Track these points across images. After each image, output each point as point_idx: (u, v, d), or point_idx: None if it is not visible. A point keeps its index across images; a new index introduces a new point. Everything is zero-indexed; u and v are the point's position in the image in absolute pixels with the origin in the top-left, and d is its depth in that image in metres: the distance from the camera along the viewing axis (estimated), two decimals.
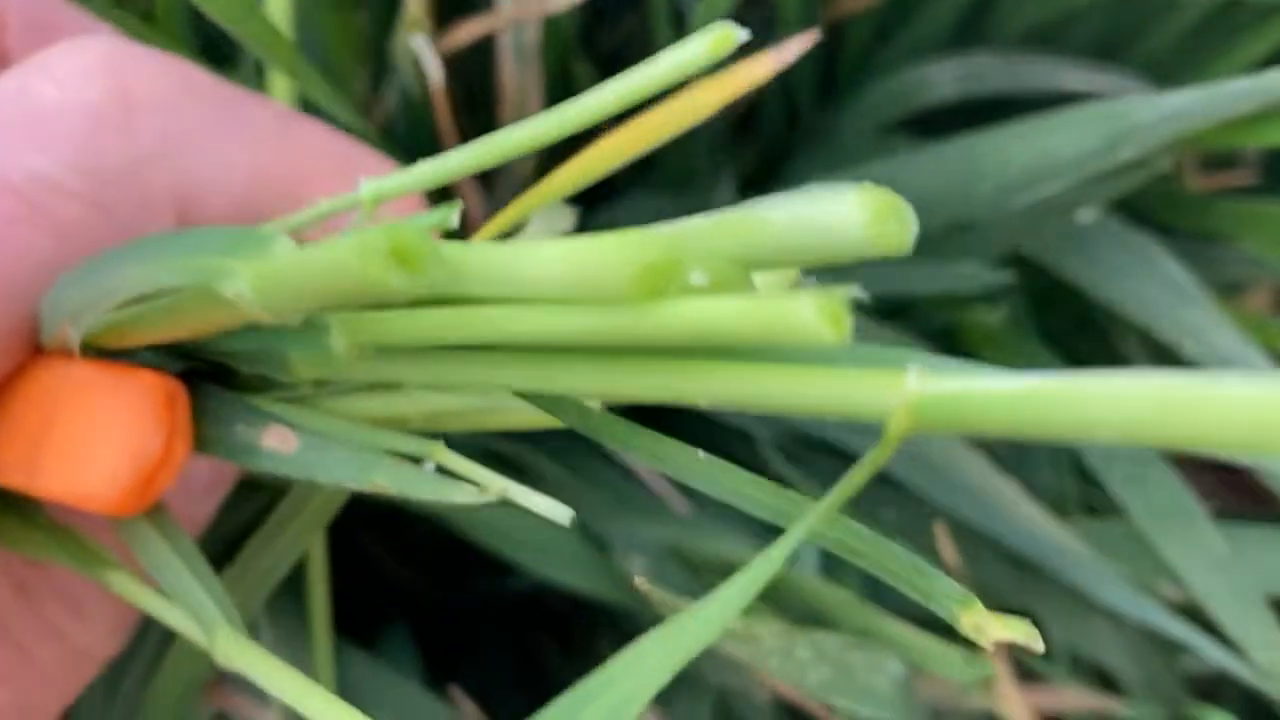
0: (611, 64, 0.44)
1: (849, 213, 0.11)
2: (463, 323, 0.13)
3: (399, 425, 0.18)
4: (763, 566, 0.12)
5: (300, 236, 0.22)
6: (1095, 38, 0.43)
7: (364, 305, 0.13)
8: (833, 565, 0.36)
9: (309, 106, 0.31)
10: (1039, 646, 0.13)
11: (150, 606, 0.18)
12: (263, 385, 0.18)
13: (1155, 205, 0.41)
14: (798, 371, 0.11)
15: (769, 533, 0.36)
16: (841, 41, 0.45)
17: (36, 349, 0.19)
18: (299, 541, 0.21)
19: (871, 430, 0.36)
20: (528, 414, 0.17)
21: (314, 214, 0.18)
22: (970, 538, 0.36)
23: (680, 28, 0.38)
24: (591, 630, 0.41)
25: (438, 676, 0.36)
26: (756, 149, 0.45)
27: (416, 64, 0.32)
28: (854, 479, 0.11)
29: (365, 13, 0.38)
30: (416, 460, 0.16)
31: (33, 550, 0.19)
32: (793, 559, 0.34)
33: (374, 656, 0.33)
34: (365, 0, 0.38)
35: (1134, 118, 0.31)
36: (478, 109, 0.39)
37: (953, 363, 0.11)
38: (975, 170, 0.33)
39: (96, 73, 0.20)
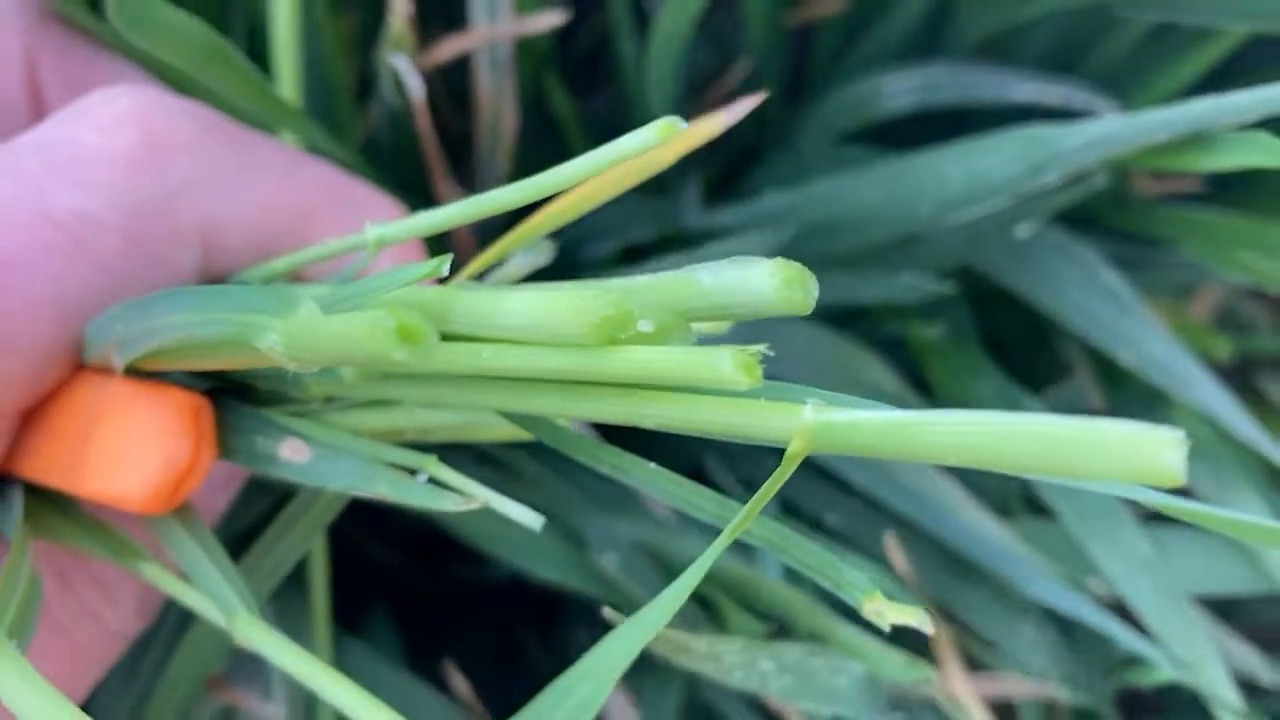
0: (585, 65, 0.46)
1: (762, 279, 0.14)
2: (455, 358, 0.16)
3: (396, 436, 0.21)
4: (699, 566, 0.15)
5: (310, 271, 0.24)
6: (1047, 49, 0.45)
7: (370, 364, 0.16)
8: (795, 571, 0.38)
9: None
10: (929, 629, 0.16)
11: (177, 593, 0.21)
12: (279, 400, 0.21)
13: (1101, 211, 0.43)
14: (721, 402, 0.14)
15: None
16: (810, 45, 0.47)
17: (79, 366, 0.22)
18: (306, 537, 0.23)
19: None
20: (507, 429, 0.20)
21: (323, 252, 0.21)
22: (915, 538, 0.38)
23: (643, 33, 0.40)
24: (570, 615, 0.43)
25: (420, 658, 0.38)
26: (725, 153, 0.47)
27: (398, 79, 0.34)
28: (764, 493, 0.14)
29: (355, 12, 0.40)
30: (411, 471, 0.19)
31: (74, 542, 0.22)
32: (756, 564, 0.36)
33: (364, 642, 0.36)
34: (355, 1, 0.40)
35: (1058, 144, 0.32)
36: (455, 114, 0.41)
37: (846, 398, 0.14)
38: (916, 189, 0.35)
39: (129, 119, 0.23)
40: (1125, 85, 0.44)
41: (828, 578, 0.17)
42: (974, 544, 0.37)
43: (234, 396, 0.22)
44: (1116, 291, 0.39)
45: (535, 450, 0.38)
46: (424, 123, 0.35)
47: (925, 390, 0.40)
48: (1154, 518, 0.38)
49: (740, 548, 0.39)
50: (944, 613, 0.39)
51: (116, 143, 0.22)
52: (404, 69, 0.33)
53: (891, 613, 0.16)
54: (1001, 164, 0.33)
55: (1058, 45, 0.46)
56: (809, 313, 0.14)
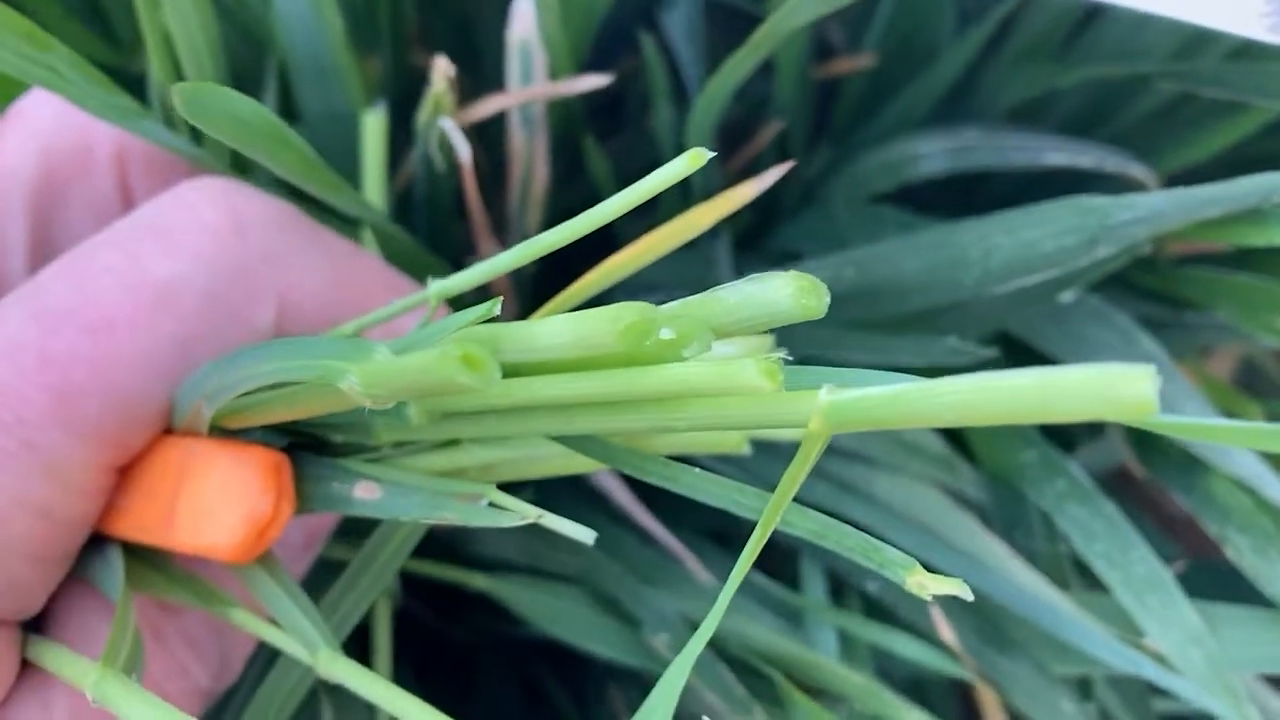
0: (611, 109, 0.47)
1: (780, 289, 0.16)
2: (511, 390, 0.18)
3: (459, 475, 0.23)
4: (725, 595, 0.17)
5: (368, 331, 0.27)
6: (1075, 111, 0.46)
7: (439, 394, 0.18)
8: (849, 651, 0.39)
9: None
10: (968, 595, 0.17)
11: (264, 633, 0.23)
12: (351, 450, 0.23)
13: (1133, 271, 0.43)
14: (744, 400, 0.16)
15: (786, 610, 0.39)
16: (836, 97, 0.48)
17: (168, 429, 0.24)
18: (380, 579, 0.25)
19: (853, 498, 0.39)
20: (560, 462, 0.22)
21: (389, 312, 0.23)
22: (959, 607, 0.39)
23: (677, 91, 0.41)
24: (592, 665, 0.43)
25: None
26: (752, 206, 0.47)
27: (443, 139, 0.35)
28: (794, 470, 0.16)
29: (378, 56, 0.42)
30: (474, 499, 0.21)
31: (168, 594, 0.24)
32: (813, 645, 0.37)
33: None
34: (377, 44, 0.42)
35: (1111, 217, 0.32)
36: (482, 162, 0.42)
37: (869, 376, 0.16)
38: (959, 258, 0.36)
39: (216, 200, 0.26)
40: (1157, 147, 0.44)
41: (870, 559, 0.18)
42: (1023, 603, 0.37)
43: (309, 450, 0.24)
44: (1153, 358, 0.39)
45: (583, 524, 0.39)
46: (470, 184, 0.36)
47: (970, 454, 0.41)
48: (1200, 593, 0.38)
49: (795, 626, 0.39)
50: (988, 682, 0.39)
51: (204, 218, 0.25)
52: (452, 132, 0.34)
53: (934, 584, 0.17)
54: (1052, 235, 0.34)
55: (1086, 107, 0.46)
56: (822, 316, 0.16)
